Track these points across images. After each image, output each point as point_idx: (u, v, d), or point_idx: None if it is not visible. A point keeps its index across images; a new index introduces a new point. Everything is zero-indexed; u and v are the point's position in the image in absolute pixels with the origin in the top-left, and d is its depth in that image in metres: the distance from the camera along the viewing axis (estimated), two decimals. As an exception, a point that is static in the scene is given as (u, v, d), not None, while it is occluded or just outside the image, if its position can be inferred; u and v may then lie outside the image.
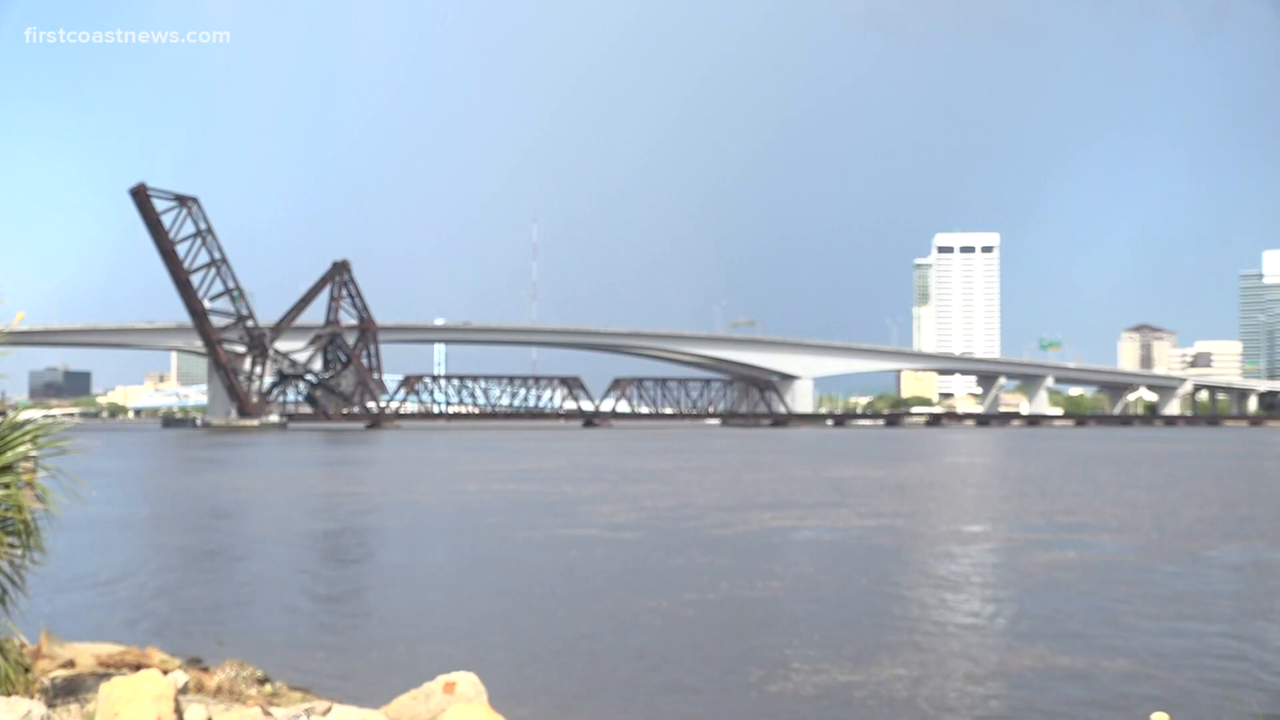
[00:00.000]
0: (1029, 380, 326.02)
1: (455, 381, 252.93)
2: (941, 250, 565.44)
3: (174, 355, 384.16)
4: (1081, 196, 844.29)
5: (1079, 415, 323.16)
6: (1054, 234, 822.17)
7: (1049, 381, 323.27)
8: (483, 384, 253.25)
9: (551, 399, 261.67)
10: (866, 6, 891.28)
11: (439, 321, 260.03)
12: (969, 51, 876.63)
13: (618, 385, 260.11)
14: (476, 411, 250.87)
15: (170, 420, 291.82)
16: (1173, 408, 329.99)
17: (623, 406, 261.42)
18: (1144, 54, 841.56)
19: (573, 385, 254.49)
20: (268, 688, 11.08)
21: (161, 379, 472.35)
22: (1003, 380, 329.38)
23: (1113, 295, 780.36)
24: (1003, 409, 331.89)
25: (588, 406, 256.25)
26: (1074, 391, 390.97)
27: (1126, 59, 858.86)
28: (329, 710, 8.78)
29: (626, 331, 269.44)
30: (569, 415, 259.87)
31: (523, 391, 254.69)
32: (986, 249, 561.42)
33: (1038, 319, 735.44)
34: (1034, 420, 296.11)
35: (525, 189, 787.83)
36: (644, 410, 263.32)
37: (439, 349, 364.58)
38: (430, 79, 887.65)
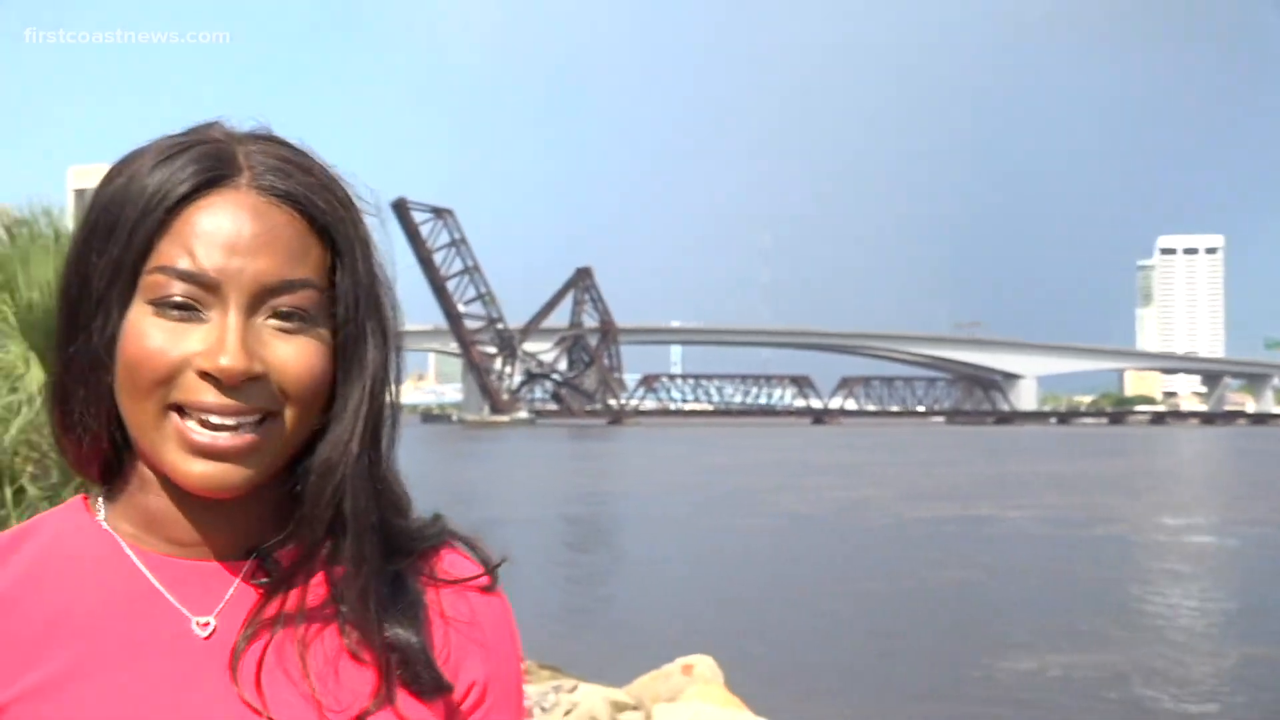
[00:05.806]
0: (1254, 379, 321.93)
1: (691, 380, 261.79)
2: (1164, 252, 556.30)
3: (432, 356, 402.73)
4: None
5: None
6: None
7: (1275, 381, 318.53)
8: (717, 382, 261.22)
9: (782, 397, 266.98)
10: (1102, 10, 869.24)
11: (675, 324, 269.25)
12: (1190, 53, 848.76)
13: (845, 384, 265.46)
14: (711, 409, 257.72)
15: (429, 416, 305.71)
16: None
17: (850, 404, 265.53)
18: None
19: (802, 384, 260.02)
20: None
21: (420, 377, 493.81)
22: (1227, 379, 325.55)
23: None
24: (1228, 408, 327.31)
25: (816, 404, 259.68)
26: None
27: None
28: (575, 688, 8.98)
29: (853, 332, 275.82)
30: (799, 413, 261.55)
31: (754, 390, 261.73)
32: (1210, 250, 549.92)
33: (1264, 319, 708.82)
34: (1260, 419, 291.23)
35: (754, 197, 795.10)
36: (871, 408, 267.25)
37: (675, 349, 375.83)
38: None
